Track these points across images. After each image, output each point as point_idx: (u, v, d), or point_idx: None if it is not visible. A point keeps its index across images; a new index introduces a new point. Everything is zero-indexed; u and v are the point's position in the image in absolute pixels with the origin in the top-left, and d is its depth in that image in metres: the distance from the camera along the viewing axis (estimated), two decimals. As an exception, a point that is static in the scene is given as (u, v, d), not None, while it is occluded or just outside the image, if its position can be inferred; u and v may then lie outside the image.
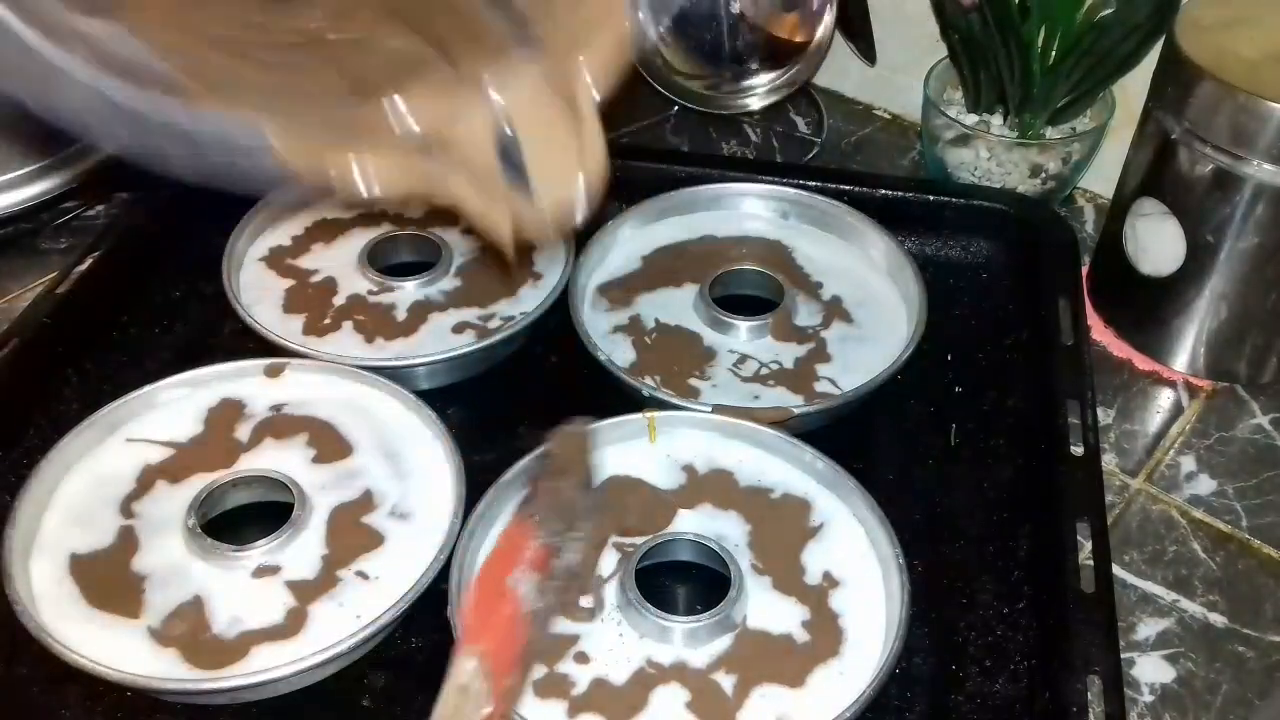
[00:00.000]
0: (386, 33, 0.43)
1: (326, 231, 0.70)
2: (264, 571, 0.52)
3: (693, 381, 0.61)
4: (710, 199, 0.71)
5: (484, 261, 0.68)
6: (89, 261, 0.66)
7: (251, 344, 0.62)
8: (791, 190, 0.70)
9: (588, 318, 0.63)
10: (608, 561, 0.52)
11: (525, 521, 0.44)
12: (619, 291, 0.66)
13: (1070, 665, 0.47)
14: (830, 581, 0.52)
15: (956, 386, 0.64)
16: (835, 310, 0.65)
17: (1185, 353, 0.65)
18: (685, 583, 0.54)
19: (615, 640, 0.50)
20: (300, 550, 0.53)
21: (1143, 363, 0.67)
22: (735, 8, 0.80)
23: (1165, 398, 0.65)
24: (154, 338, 0.67)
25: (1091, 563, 0.51)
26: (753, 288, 0.67)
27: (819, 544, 0.53)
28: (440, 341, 0.63)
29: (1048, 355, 0.61)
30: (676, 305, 0.65)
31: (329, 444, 0.58)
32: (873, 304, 0.65)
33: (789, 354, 0.62)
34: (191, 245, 0.71)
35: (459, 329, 0.64)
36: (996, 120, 0.74)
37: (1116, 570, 0.55)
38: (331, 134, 0.41)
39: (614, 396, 0.61)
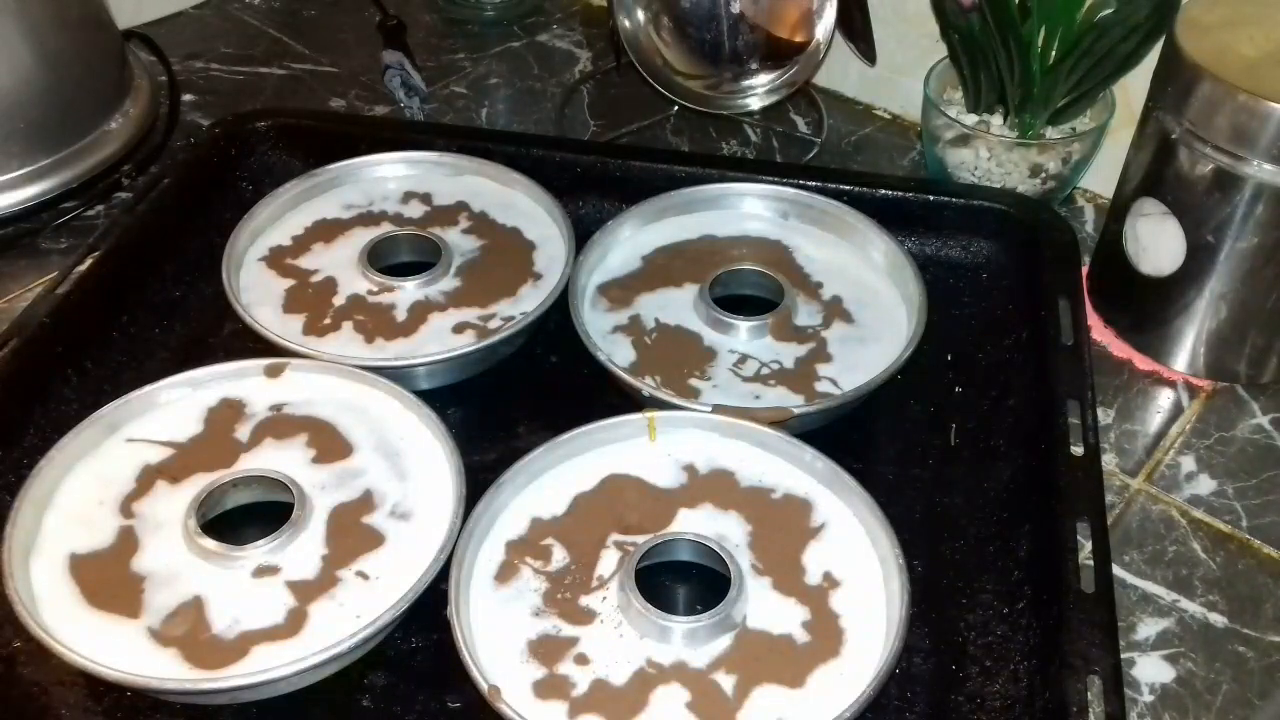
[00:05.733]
0: None
1: (326, 231, 0.70)
2: (264, 571, 0.52)
3: (693, 381, 0.61)
4: (710, 199, 0.71)
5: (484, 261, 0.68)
6: (89, 261, 0.66)
7: (251, 344, 0.62)
8: (791, 190, 0.70)
9: (588, 318, 0.63)
10: (608, 561, 0.52)
11: None
12: (619, 291, 0.66)
13: (1070, 665, 0.47)
14: (830, 582, 0.52)
15: (956, 386, 0.64)
16: (836, 310, 0.65)
17: (1185, 353, 0.65)
18: (685, 583, 0.54)
19: (615, 641, 0.50)
20: (300, 550, 0.53)
21: (1143, 363, 0.67)
22: (735, 8, 0.80)
23: (1165, 398, 0.65)
24: (154, 338, 0.67)
25: (1091, 563, 0.51)
26: (753, 288, 0.67)
27: (819, 544, 0.53)
28: (440, 341, 0.63)
29: (1048, 355, 0.61)
30: (676, 305, 0.65)
31: (329, 444, 0.58)
32: (873, 304, 0.65)
33: (789, 354, 0.62)
34: (191, 245, 0.71)
35: (459, 329, 0.64)
36: (996, 120, 0.74)
37: (1116, 570, 0.56)
38: None
39: (614, 396, 0.61)
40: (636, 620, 0.50)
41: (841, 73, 0.88)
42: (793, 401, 0.59)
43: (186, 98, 0.89)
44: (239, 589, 0.51)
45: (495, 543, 0.53)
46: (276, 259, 0.68)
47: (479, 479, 0.54)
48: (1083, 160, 0.73)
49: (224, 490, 0.55)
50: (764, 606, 0.51)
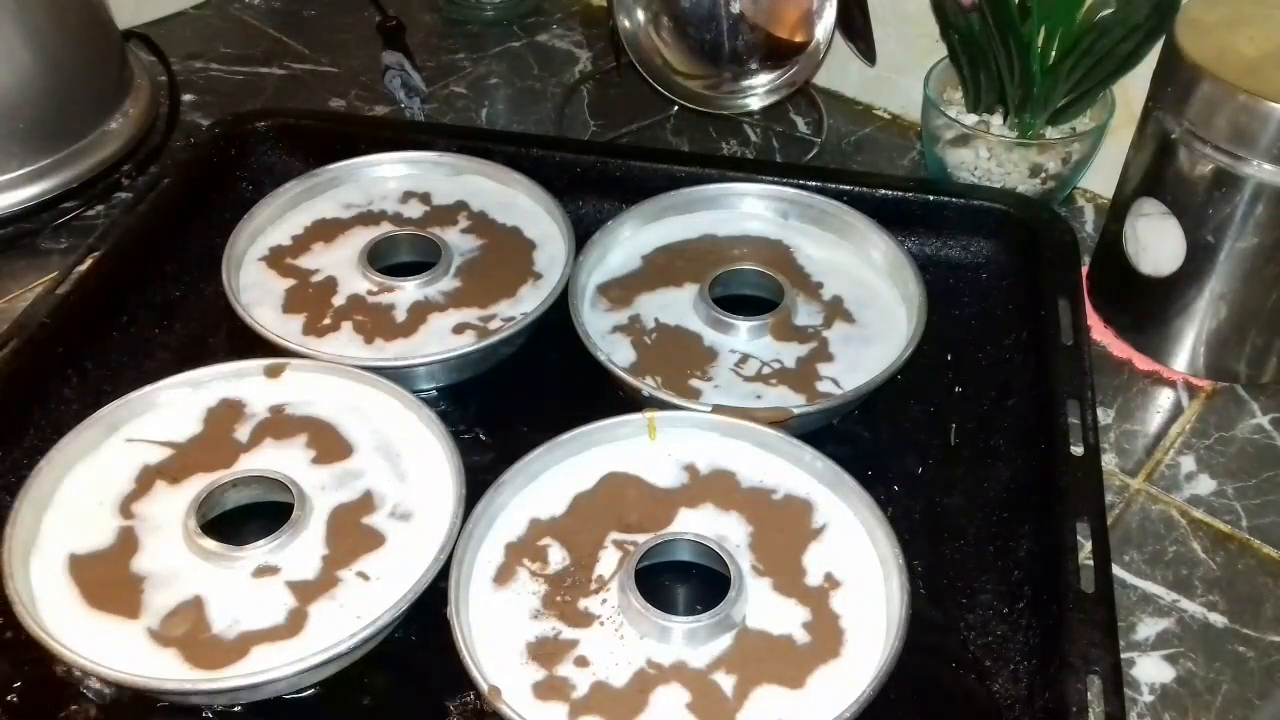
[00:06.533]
0: None
1: (326, 231, 0.70)
2: (264, 571, 0.52)
3: (694, 382, 0.61)
4: (710, 199, 0.71)
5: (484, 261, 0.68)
6: (89, 261, 0.66)
7: (251, 344, 0.62)
8: (791, 190, 0.70)
9: (588, 318, 0.63)
10: (607, 561, 0.52)
11: None
12: (619, 291, 0.66)
13: (1070, 665, 0.47)
14: (831, 582, 0.52)
15: (956, 386, 0.64)
16: (836, 310, 0.65)
17: (1185, 353, 0.65)
18: (685, 583, 0.54)
19: (615, 641, 0.50)
20: (300, 550, 0.53)
21: (1143, 363, 0.67)
22: (735, 8, 0.80)
23: (1165, 398, 0.65)
24: (154, 338, 0.67)
25: (1091, 563, 0.51)
26: (753, 288, 0.67)
27: (820, 545, 0.53)
28: (440, 342, 0.63)
29: (1048, 355, 0.61)
30: (676, 305, 0.65)
31: (329, 444, 0.58)
32: (874, 304, 0.65)
33: (790, 354, 0.62)
34: (191, 245, 0.71)
35: (459, 329, 0.64)
36: (996, 120, 0.74)
37: (1116, 570, 0.55)
38: None
39: (614, 396, 0.61)
40: (636, 620, 0.50)
41: (841, 73, 0.88)
42: (795, 401, 0.59)
43: (186, 98, 0.89)
44: (239, 589, 0.51)
45: (495, 544, 0.53)
46: (276, 259, 0.68)
47: (479, 479, 0.54)
48: (1083, 160, 0.73)
49: (224, 490, 0.55)
50: (764, 607, 0.51)
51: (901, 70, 0.83)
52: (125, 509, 0.54)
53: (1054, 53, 0.70)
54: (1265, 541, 0.58)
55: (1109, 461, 0.61)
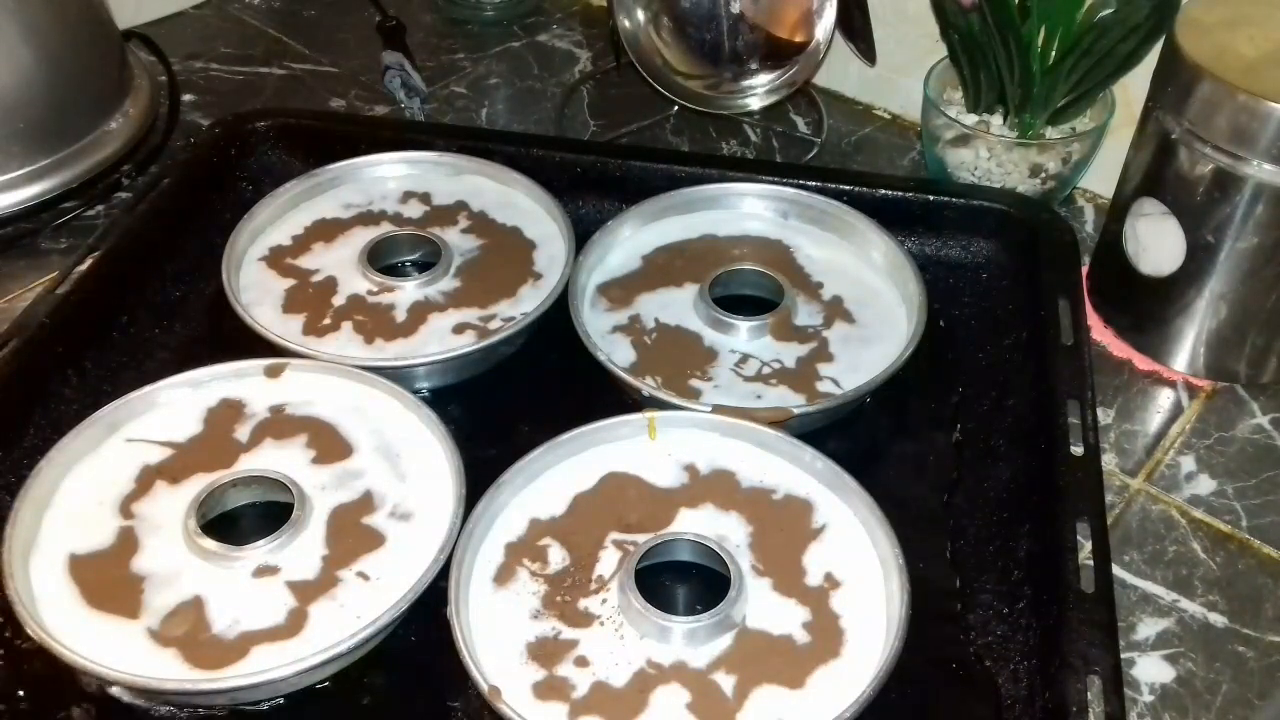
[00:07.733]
0: None
1: (326, 231, 0.70)
2: (264, 571, 0.52)
3: (694, 382, 0.61)
4: (710, 199, 0.71)
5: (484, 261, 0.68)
6: (89, 261, 0.66)
7: (251, 344, 0.62)
8: (791, 190, 0.70)
9: (588, 318, 0.63)
10: (607, 561, 0.52)
11: None
12: (619, 291, 0.66)
13: (1070, 665, 0.47)
14: (831, 582, 0.52)
15: (956, 386, 0.64)
16: (837, 310, 0.65)
17: (1185, 353, 0.65)
18: (685, 583, 0.54)
19: (615, 642, 0.50)
20: (300, 550, 0.53)
21: (1143, 363, 0.67)
22: (735, 8, 0.80)
23: (1165, 398, 0.65)
24: (154, 338, 0.67)
25: (1091, 563, 0.51)
26: (753, 288, 0.67)
27: (820, 545, 0.53)
28: (440, 342, 0.63)
29: (1048, 355, 0.61)
30: (676, 305, 0.65)
31: (329, 444, 0.58)
32: (874, 304, 0.65)
33: (790, 354, 0.62)
34: (191, 245, 0.71)
35: (459, 329, 0.64)
36: (996, 120, 0.74)
37: (1116, 570, 0.55)
38: None
39: (614, 396, 0.61)
40: (636, 620, 0.50)
41: (841, 73, 0.88)
42: (795, 401, 0.59)
43: (186, 98, 0.89)
44: (239, 589, 0.51)
45: (495, 544, 0.53)
46: (276, 259, 0.68)
47: (479, 479, 0.54)
48: (1083, 160, 0.73)
49: (224, 490, 0.55)
50: (764, 607, 0.51)
51: (901, 70, 0.83)
52: (125, 509, 0.54)
53: (1054, 53, 0.70)
54: (1265, 541, 0.58)
55: (1109, 461, 0.61)
